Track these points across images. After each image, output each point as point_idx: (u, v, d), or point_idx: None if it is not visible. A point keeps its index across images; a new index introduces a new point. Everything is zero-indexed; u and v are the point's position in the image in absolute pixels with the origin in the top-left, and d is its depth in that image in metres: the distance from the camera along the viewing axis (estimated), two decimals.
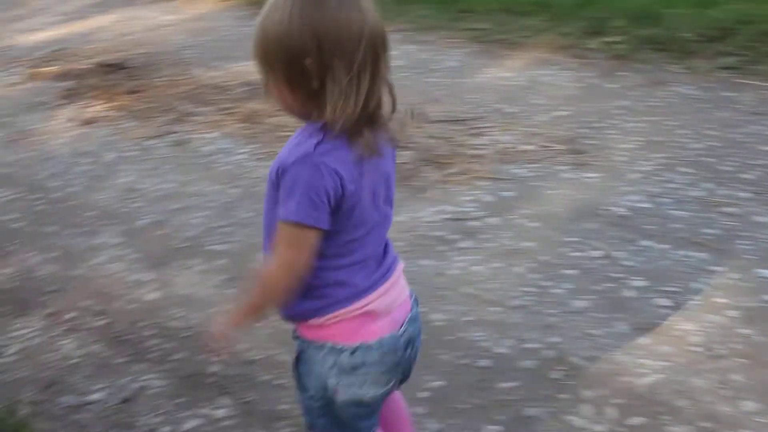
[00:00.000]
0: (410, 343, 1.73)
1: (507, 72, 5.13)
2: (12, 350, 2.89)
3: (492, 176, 3.81)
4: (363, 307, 1.63)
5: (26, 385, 2.70)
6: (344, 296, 1.62)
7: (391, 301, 1.69)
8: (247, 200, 3.77)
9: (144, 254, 3.41)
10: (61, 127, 4.69)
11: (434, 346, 2.69)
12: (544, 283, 3.01)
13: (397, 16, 6.10)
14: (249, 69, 5.17)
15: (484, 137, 4.21)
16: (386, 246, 1.72)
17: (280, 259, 1.56)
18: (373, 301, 1.65)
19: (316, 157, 1.47)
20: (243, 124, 4.55)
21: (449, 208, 3.57)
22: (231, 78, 5.23)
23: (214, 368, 2.70)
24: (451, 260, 3.20)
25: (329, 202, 1.50)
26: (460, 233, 3.38)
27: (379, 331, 1.66)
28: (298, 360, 1.73)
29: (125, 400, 2.60)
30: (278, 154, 1.55)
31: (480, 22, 5.92)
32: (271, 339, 2.81)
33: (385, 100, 1.55)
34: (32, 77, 5.48)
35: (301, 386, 1.75)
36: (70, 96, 5.14)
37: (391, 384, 1.74)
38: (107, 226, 3.64)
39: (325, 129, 1.49)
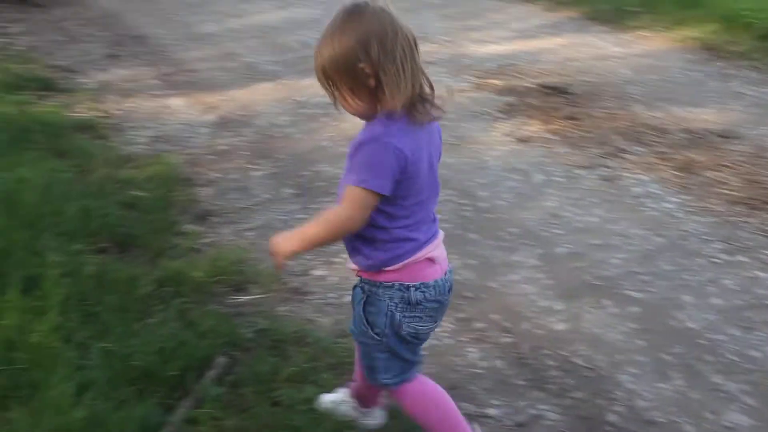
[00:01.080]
0: (451, 288, 2.17)
1: None
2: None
3: None
4: (426, 254, 2.07)
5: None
6: (411, 248, 2.05)
7: (439, 254, 2.11)
8: (671, 252, 3.61)
9: (557, 282, 3.40)
10: (497, 140, 4.85)
11: None
12: None
13: None
14: (693, 116, 5.02)
15: None
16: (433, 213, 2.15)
17: (345, 213, 1.98)
18: (432, 251, 2.08)
19: (386, 137, 1.91)
20: (678, 173, 4.38)
21: None
22: (672, 122, 5.06)
23: (612, 417, 2.62)
24: None
25: (393, 173, 1.92)
26: None
27: (434, 274, 2.11)
28: (366, 303, 2.13)
29: (520, 425, 2.60)
30: (356, 138, 1.96)
31: None
32: (677, 404, 2.67)
33: (425, 82, 1.96)
34: (478, 87, 5.74)
35: (370, 324, 2.14)
36: (510, 111, 5.30)
37: (437, 324, 2.20)
38: (526, 246, 3.69)
39: (389, 116, 1.92)
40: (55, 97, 5.65)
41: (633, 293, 3.32)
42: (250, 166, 4.58)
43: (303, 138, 4.96)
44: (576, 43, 6.81)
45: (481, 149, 4.72)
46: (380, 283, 2.09)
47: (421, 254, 2.07)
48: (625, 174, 4.39)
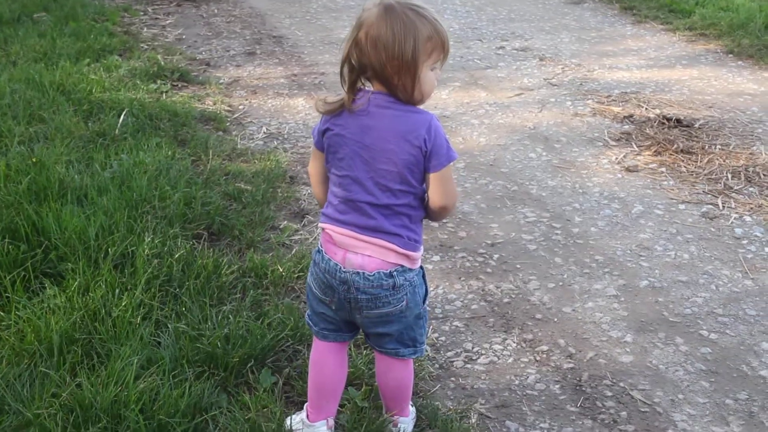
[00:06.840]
0: (346, 284, 2.28)
1: None
2: (482, 360, 3.09)
3: None
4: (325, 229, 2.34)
5: (483, 396, 2.88)
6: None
7: (350, 243, 2.28)
8: (760, 297, 3.53)
9: (632, 314, 3.39)
10: (604, 168, 4.82)
11: None
12: None
13: None
14: None
15: None
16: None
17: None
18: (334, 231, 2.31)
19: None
20: None
21: None
22: None
23: None
24: None
25: None
26: None
27: (331, 253, 2.30)
28: None
29: None
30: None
31: None
32: None
33: None
34: (597, 113, 5.70)
35: None
36: (623, 139, 5.24)
37: (328, 300, 2.35)
38: (609, 275, 3.69)
39: None
40: (188, 88, 5.99)
41: (708, 334, 3.28)
42: None
43: None
44: (709, 76, 6.63)
45: (585, 175, 4.71)
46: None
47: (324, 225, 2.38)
48: (728, 214, 4.29)
